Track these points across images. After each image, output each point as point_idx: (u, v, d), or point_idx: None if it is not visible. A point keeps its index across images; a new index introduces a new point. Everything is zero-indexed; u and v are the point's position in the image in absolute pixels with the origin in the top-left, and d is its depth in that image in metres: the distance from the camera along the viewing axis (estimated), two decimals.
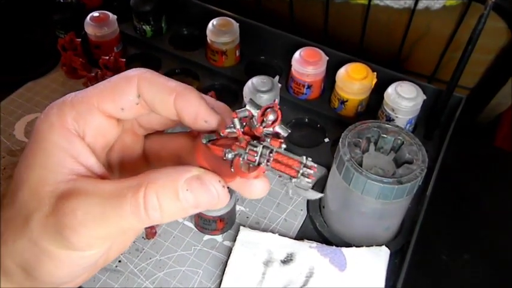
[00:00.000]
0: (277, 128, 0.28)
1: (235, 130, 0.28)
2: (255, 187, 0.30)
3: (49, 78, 0.78)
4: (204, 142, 0.29)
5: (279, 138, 0.28)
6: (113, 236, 0.28)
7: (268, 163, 0.27)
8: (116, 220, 0.27)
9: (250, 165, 0.28)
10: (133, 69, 0.31)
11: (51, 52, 0.79)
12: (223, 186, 0.28)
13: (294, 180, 0.27)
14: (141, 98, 0.30)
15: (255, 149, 0.27)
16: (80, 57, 0.76)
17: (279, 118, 0.28)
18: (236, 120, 0.28)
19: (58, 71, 0.79)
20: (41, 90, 0.76)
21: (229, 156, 0.28)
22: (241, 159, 0.28)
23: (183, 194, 0.27)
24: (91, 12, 0.77)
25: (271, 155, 0.27)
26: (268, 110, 0.28)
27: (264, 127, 0.28)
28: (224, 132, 0.29)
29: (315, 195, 0.30)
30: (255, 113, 0.28)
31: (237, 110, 0.29)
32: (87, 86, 0.71)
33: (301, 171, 0.27)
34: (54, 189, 0.27)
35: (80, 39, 0.76)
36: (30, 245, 0.27)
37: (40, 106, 0.74)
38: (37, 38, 0.83)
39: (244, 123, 0.28)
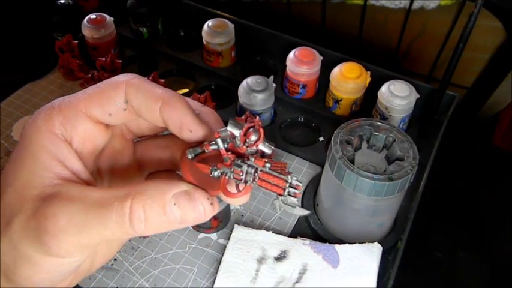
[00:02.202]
0: (261, 146, 0.28)
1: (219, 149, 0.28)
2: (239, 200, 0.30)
3: (47, 80, 0.79)
4: (190, 158, 0.29)
5: (263, 156, 0.28)
6: (95, 245, 0.27)
7: (254, 181, 0.28)
8: (99, 229, 0.26)
9: (237, 182, 0.28)
10: (122, 74, 0.31)
11: (49, 54, 0.80)
12: (211, 204, 0.28)
13: (281, 198, 0.28)
14: (129, 104, 0.30)
15: (239, 169, 0.28)
16: (77, 59, 0.76)
17: (261, 137, 0.28)
18: (219, 140, 0.28)
19: (56, 72, 0.80)
20: (39, 92, 0.77)
21: (215, 174, 0.28)
22: (227, 177, 0.28)
23: (170, 208, 0.27)
24: (88, 14, 0.78)
25: (256, 174, 0.28)
26: (251, 130, 0.28)
27: (247, 146, 0.28)
28: (208, 148, 0.29)
29: (302, 212, 0.30)
30: (237, 133, 0.28)
31: (219, 130, 0.28)
32: (84, 88, 0.72)
33: (287, 190, 0.28)
34: (40, 193, 0.27)
35: (77, 41, 0.77)
36: (10, 248, 0.27)
37: (38, 108, 0.74)
38: (35, 40, 0.84)
39: (228, 140, 0.28)
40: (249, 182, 0.28)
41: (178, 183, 0.28)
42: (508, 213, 0.72)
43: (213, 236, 0.61)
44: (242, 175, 0.28)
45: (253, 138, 0.28)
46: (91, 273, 0.32)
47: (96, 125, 0.31)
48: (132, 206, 0.26)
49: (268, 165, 0.28)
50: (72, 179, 0.29)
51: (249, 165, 0.28)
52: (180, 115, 0.29)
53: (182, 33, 0.88)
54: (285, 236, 0.59)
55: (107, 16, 0.78)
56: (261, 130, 0.28)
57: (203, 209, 0.28)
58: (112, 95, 0.30)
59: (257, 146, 0.28)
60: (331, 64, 0.72)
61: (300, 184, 0.28)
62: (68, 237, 0.26)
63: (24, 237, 0.27)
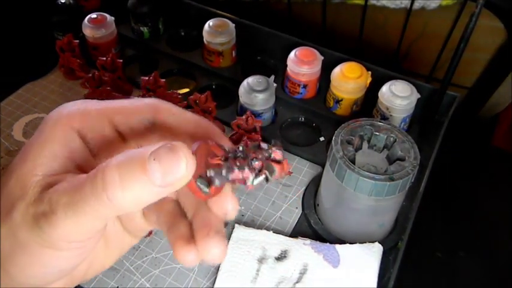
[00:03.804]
0: (265, 167, 0.28)
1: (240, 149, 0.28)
2: (211, 253, 0.28)
3: (47, 80, 0.79)
4: (210, 141, 0.29)
5: (260, 170, 0.28)
6: (86, 231, 0.26)
7: (229, 173, 0.27)
8: (80, 206, 0.25)
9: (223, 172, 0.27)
10: (153, 98, 0.32)
11: (50, 54, 0.79)
12: (192, 153, 0.26)
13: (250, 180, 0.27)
14: (157, 122, 0.31)
15: (237, 160, 0.27)
16: (78, 58, 0.76)
17: (285, 171, 0.28)
18: (243, 148, 0.28)
19: (56, 72, 0.80)
20: (40, 91, 0.77)
21: (212, 173, 0.27)
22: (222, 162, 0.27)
23: (149, 165, 0.24)
24: (89, 14, 0.78)
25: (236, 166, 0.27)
26: (277, 147, 0.28)
27: (259, 153, 0.28)
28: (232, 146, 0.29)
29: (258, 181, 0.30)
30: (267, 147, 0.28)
31: (252, 144, 0.29)
32: (85, 87, 0.72)
33: (251, 179, 0.27)
34: (40, 180, 0.27)
35: (77, 41, 0.77)
36: (9, 235, 0.27)
37: (38, 107, 0.75)
38: (36, 40, 0.84)
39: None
40: (223, 171, 0.27)
41: (160, 143, 0.25)
42: (508, 213, 0.72)
43: None
44: (236, 167, 0.27)
45: (278, 155, 0.28)
46: (86, 280, 0.32)
47: (114, 133, 0.31)
48: (105, 169, 0.24)
49: (257, 162, 0.27)
50: (76, 172, 0.28)
51: (243, 157, 0.27)
52: (213, 130, 0.31)
53: (183, 33, 0.88)
54: (285, 235, 0.59)
55: (107, 16, 0.78)
56: (286, 165, 0.28)
57: (185, 161, 0.25)
58: (141, 109, 0.31)
59: (268, 162, 0.28)
60: (331, 64, 0.72)
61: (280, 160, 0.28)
62: (58, 220, 0.25)
63: (24, 223, 0.27)
